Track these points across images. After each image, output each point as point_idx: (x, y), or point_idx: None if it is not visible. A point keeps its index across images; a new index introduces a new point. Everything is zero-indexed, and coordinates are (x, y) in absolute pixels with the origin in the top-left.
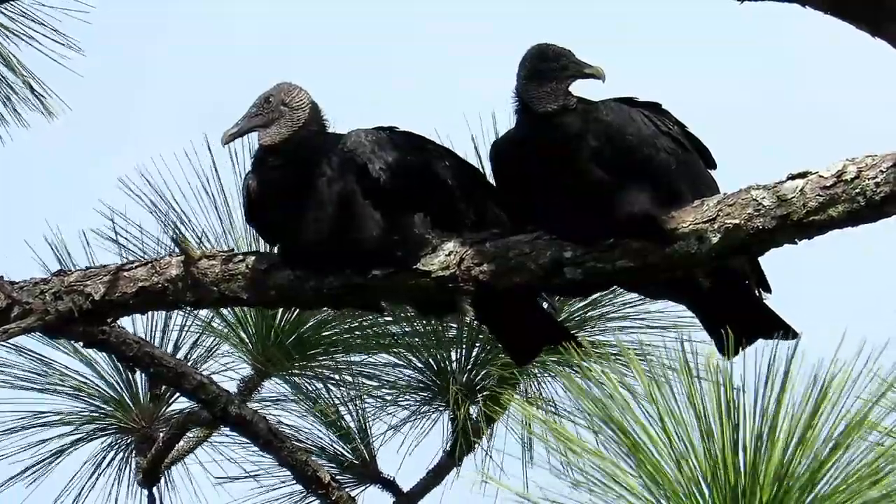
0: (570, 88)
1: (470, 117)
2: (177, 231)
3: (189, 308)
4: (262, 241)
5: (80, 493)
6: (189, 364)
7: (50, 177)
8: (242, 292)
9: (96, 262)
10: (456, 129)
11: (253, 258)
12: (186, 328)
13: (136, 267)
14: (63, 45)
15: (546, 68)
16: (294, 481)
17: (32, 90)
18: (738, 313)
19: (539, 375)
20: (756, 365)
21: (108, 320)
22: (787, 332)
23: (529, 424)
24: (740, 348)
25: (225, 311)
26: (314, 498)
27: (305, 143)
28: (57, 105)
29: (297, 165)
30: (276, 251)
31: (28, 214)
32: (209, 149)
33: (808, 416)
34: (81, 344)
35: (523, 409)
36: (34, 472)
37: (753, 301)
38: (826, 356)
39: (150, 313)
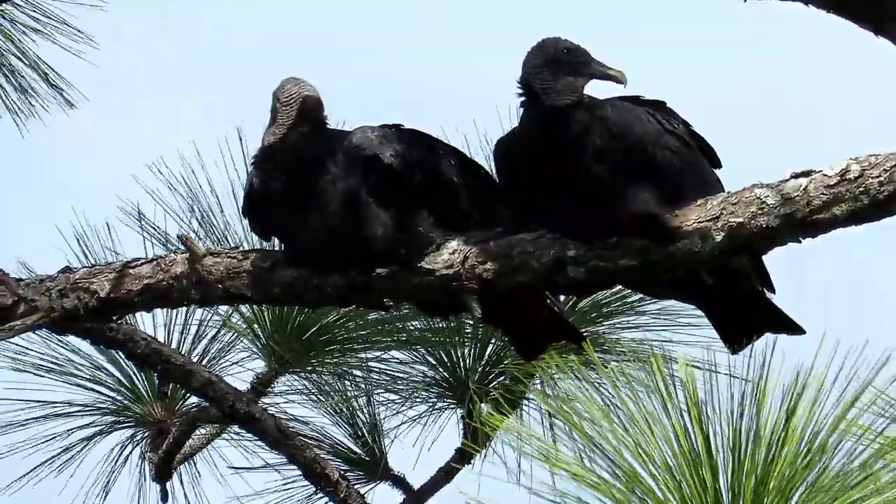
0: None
1: (469, 117)
2: (201, 226)
3: (195, 306)
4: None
5: (103, 486)
6: (205, 360)
7: (70, 168)
8: (247, 290)
9: (120, 251)
10: (456, 129)
11: (257, 256)
12: (205, 323)
13: (142, 264)
14: (76, 38)
15: (567, 60)
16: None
17: (50, 82)
18: (743, 309)
19: (554, 376)
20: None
21: (115, 318)
22: (792, 328)
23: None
24: (745, 342)
25: (243, 308)
26: (323, 495)
27: (301, 142)
28: (76, 97)
29: (295, 164)
30: (279, 249)
31: (46, 205)
32: (240, 139)
33: (784, 421)
34: (89, 341)
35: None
36: (60, 463)
37: (758, 298)
38: (806, 358)
39: (165, 310)
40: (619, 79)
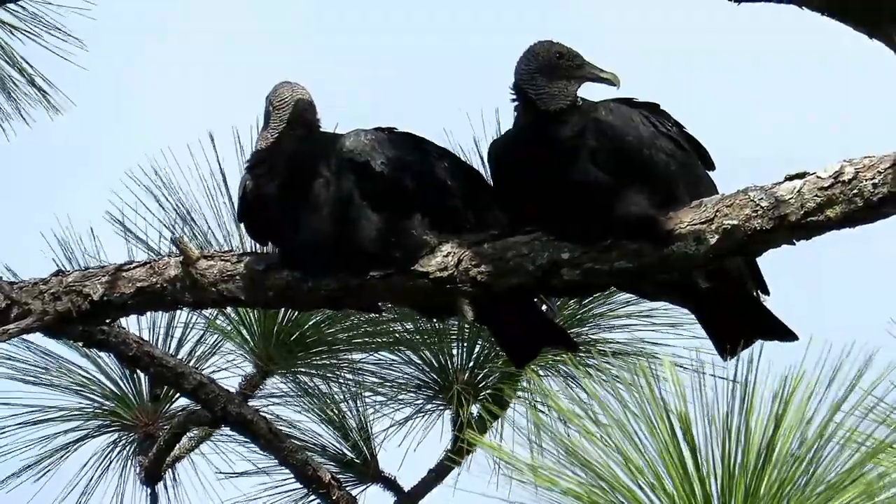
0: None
1: (466, 117)
2: (183, 227)
3: (188, 309)
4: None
5: (84, 490)
6: (192, 362)
7: (54, 171)
8: (240, 293)
9: (103, 256)
10: (453, 129)
11: (251, 259)
12: (190, 325)
13: (135, 267)
14: (65, 40)
15: (560, 65)
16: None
17: (36, 86)
18: (737, 315)
19: (542, 375)
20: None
21: (107, 321)
22: (786, 335)
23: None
24: (738, 349)
25: (229, 309)
26: (315, 497)
27: (295, 146)
28: (61, 100)
29: (288, 168)
30: (272, 252)
31: (33, 209)
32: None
33: (773, 426)
34: (81, 344)
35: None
36: (40, 468)
37: (752, 303)
38: (794, 363)
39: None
40: (612, 81)
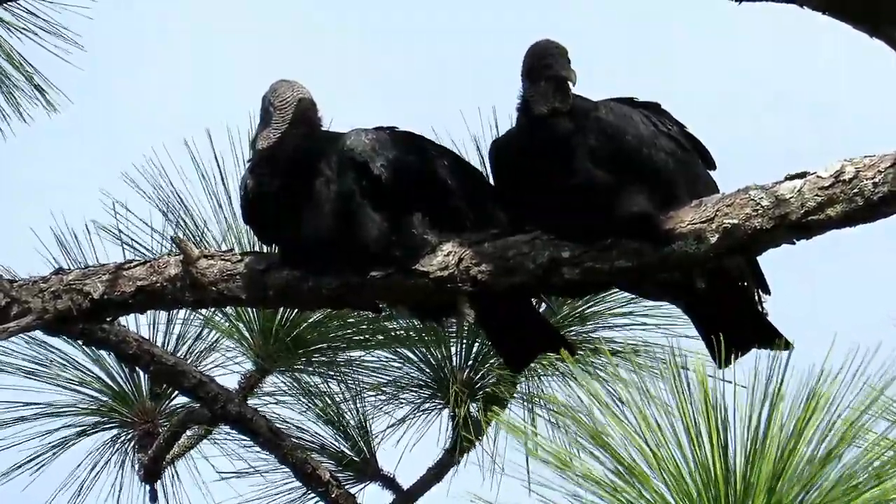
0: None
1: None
2: (181, 226)
3: (188, 308)
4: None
5: (81, 486)
6: (189, 359)
7: (51, 170)
8: (241, 292)
9: (101, 255)
10: (452, 127)
11: (251, 258)
12: (188, 322)
13: (135, 266)
14: (63, 38)
15: (536, 66)
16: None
17: (34, 84)
18: (734, 320)
19: (541, 374)
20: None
21: (108, 319)
22: (782, 343)
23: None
24: (733, 358)
25: (228, 308)
26: (314, 495)
27: (297, 145)
28: (59, 99)
29: (290, 167)
30: (275, 251)
31: (30, 208)
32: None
33: (799, 424)
34: (81, 342)
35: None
36: (37, 463)
37: (750, 307)
38: (817, 363)
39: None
40: (568, 77)
